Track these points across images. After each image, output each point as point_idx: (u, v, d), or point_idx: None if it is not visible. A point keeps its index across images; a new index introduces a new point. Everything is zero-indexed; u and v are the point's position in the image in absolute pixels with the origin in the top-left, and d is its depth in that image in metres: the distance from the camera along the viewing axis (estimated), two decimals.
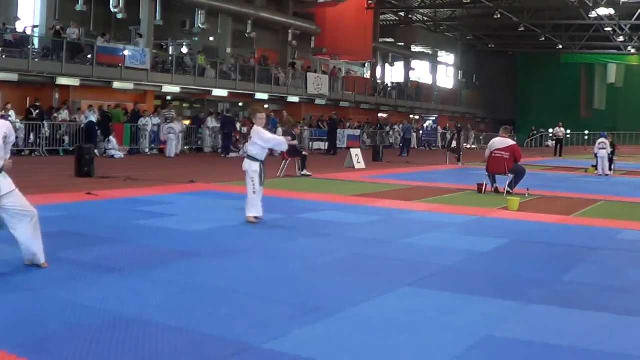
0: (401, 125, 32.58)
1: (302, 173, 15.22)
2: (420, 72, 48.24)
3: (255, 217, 7.81)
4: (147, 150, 21.94)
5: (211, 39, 30.01)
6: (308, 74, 32.09)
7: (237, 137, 23.96)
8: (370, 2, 36.31)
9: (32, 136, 18.70)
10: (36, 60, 20.68)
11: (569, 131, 40.94)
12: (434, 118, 38.07)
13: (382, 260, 6.09)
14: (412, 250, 6.53)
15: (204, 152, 24.15)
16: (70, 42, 21.44)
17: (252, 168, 7.85)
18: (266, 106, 30.98)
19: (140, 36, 24.23)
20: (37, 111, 19.08)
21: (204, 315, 4.08)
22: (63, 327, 3.75)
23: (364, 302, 4.52)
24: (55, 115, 19.81)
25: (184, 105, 28.65)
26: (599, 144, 18.86)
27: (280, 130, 24.71)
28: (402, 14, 42.31)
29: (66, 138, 19.44)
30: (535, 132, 45.12)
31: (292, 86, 30.85)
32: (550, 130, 40.93)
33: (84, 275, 4.95)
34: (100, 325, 3.79)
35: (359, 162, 18.92)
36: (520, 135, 44.20)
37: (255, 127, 8.00)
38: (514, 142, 12.79)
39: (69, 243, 6.22)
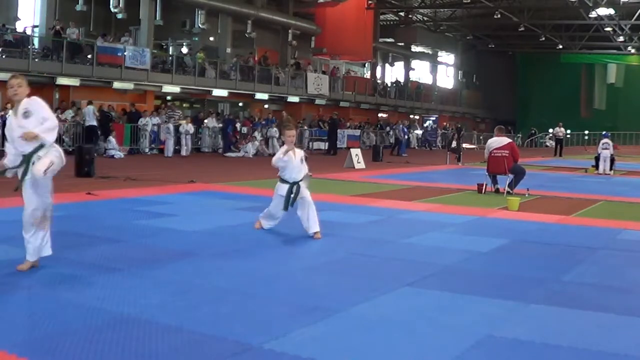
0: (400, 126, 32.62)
1: None
2: (420, 72, 48.25)
3: (260, 225, 7.37)
4: (147, 150, 21.95)
5: (211, 39, 30.03)
6: (308, 74, 32.10)
7: (237, 137, 23.97)
8: (370, 2, 36.32)
9: None
10: (36, 60, 20.70)
11: (569, 131, 40.95)
12: (434, 118, 38.09)
13: (382, 260, 6.08)
14: (412, 250, 6.53)
15: (204, 152, 24.15)
16: (70, 42, 21.45)
17: (277, 191, 7.13)
18: (266, 106, 31.03)
19: (120, 33, 24.28)
20: None
21: (204, 315, 4.08)
22: (63, 327, 3.75)
23: (363, 302, 4.52)
24: (60, 115, 19.82)
25: (184, 105, 28.67)
26: (602, 144, 18.86)
27: (275, 130, 24.80)
28: (402, 14, 42.33)
29: (65, 138, 19.46)
30: (535, 131, 45.12)
31: (292, 86, 30.87)
32: (550, 130, 40.94)
33: (84, 275, 4.95)
34: (100, 325, 3.79)
35: (359, 162, 18.92)
36: (520, 135, 44.26)
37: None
38: (510, 140, 12.84)
39: (68, 243, 6.21)
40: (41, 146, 4.97)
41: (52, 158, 4.98)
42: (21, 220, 5.11)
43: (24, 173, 4.97)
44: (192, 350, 3.47)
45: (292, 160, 7.02)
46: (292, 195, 6.98)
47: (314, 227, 6.97)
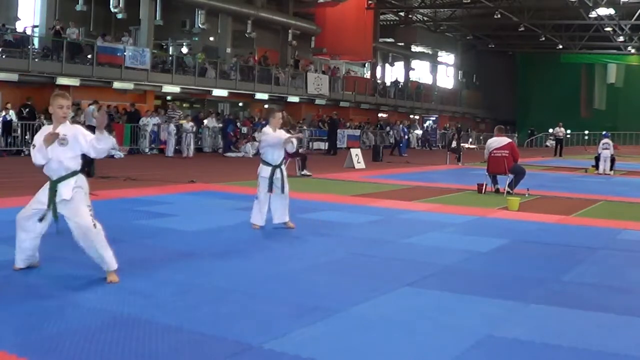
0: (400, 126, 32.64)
1: (302, 173, 15.23)
2: (420, 72, 48.24)
3: (259, 225, 7.44)
4: (147, 150, 21.95)
5: (211, 39, 30.03)
6: (308, 74, 32.09)
7: (237, 137, 23.97)
8: (370, 2, 36.31)
9: (28, 135, 18.68)
10: (36, 60, 20.69)
11: (569, 131, 40.93)
12: (434, 118, 38.10)
13: (382, 260, 6.09)
14: (412, 250, 6.53)
15: (205, 152, 24.14)
16: (70, 42, 21.45)
17: (261, 173, 7.43)
18: (266, 106, 31.02)
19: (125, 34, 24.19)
20: (27, 110, 19.08)
21: (204, 315, 4.08)
22: (63, 327, 3.75)
23: (364, 302, 4.52)
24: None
25: (184, 105, 28.67)
26: (603, 144, 18.92)
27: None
28: (402, 14, 42.33)
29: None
30: (534, 131, 45.08)
31: (292, 86, 30.87)
32: (550, 130, 40.93)
33: (84, 275, 4.95)
34: (100, 325, 3.79)
35: (359, 162, 18.93)
36: (520, 135, 44.27)
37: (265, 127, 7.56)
38: (510, 140, 12.86)
39: (68, 243, 6.19)
40: (69, 175, 4.81)
41: (86, 201, 4.82)
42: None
43: (50, 202, 4.79)
44: (192, 350, 3.47)
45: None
46: (279, 178, 7.34)
47: (286, 216, 7.39)
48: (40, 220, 4.84)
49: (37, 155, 4.78)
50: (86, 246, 4.78)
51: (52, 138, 4.72)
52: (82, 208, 4.77)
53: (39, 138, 4.82)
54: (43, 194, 4.86)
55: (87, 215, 4.75)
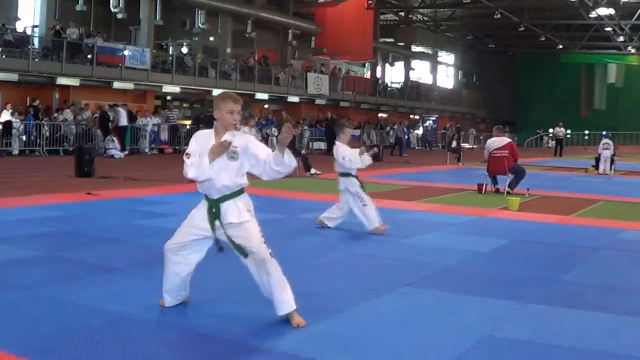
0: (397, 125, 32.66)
1: (312, 173, 15.20)
2: (420, 72, 48.23)
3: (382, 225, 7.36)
4: (147, 150, 21.94)
5: (211, 39, 30.04)
6: (308, 74, 32.08)
7: None
8: (370, 2, 36.31)
9: (27, 136, 18.69)
10: (36, 60, 20.70)
11: (569, 131, 40.91)
12: (434, 118, 38.09)
13: (381, 260, 6.09)
14: (412, 250, 6.53)
15: None
16: (70, 42, 21.46)
17: (353, 183, 7.77)
18: (266, 106, 31.03)
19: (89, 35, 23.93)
20: (34, 110, 19.11)
21: (204, 315, 4.08)
22: (63, 327, 3.75)
23: (363, 302, 4.52)
24: (55, 115, 19.83)
25: (184, 105, 28.66)
26: (603, 144, 18.98)
27: (274, 129, 24.79)
28: (402, 14, 42.33)
29: (71, 137, 19.53)
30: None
31: (292, 86, 30.87)
32: (550, 130, 40.92)
33: (84, 275, 4.95)
34: (100, 325, 3.79)
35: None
36: (521, 135, 44.26)
37: (338, 143, 7.84)
38: (510, 140, 12.88)
39: (68, 243, 6.22)
40: (237, 193, 3.97)
41: (257, 224, 4.01)
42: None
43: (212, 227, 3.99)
44: (192, 350, 3.47)
45: None
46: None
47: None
48: (220, 250, 4.08)
49: (198, 170, 3.84)
50: (260, 281, 3.98)
51: (221, 149, 3.83)
52: (255, 233, 3.96)
53: (196, 146, 3.93)
54: (200, 216, 4.02)
55: (261, 243, 3.97)
